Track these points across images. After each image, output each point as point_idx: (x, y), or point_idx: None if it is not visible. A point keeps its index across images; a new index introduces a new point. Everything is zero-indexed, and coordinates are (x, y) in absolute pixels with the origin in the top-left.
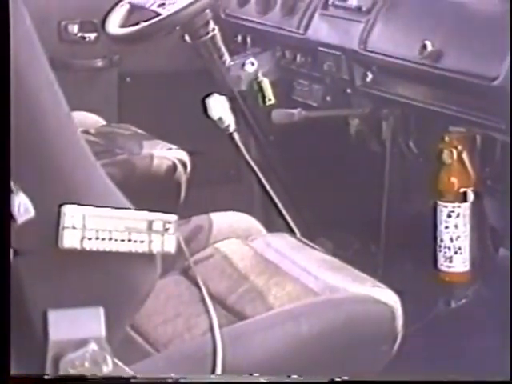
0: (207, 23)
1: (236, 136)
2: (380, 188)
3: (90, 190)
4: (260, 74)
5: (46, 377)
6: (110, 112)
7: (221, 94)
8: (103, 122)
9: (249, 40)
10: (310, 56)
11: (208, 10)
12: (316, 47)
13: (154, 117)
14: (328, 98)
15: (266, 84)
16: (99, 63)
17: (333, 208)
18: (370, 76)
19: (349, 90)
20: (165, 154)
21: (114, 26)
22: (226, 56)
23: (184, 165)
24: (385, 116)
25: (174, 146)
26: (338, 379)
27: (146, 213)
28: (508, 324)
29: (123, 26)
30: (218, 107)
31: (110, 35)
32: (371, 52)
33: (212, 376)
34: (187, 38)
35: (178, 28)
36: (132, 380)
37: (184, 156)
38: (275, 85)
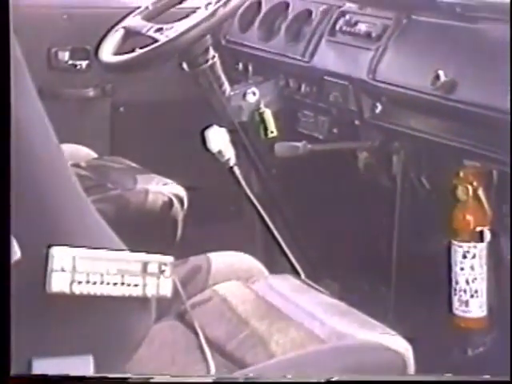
0: (207, 50)
1: (236, 170)
2: (390, 225)
3: (81, 229)
4: (262, 105)
5: (45, 377)
6: (102, 144)
7: (220, 126)
8: (95, 155)
9: (251, 68)
10: (315, 85)
11: (208, 36)
12: (322, 76)
13: (149, 149)
14: (335, 130)
15: (269, 115)
16: (91, 92)
17: (339, 247)
18: (379, 107)
19: (357, 122)
20: (160, 190)
21: (107, 53)
22: (227, 85)
23: (181, 201)
24: (395, 149)
25: (170, 181)
26: (338, 379)
27: (140, 254)
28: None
29: (117, 53)
30: (218, 139)
31: (102, 63)
32: (381, 82)
33: (211, 376)
34: (185, 65)
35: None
36: (129, 380)
37: (181, 191)
38: (278, 116)
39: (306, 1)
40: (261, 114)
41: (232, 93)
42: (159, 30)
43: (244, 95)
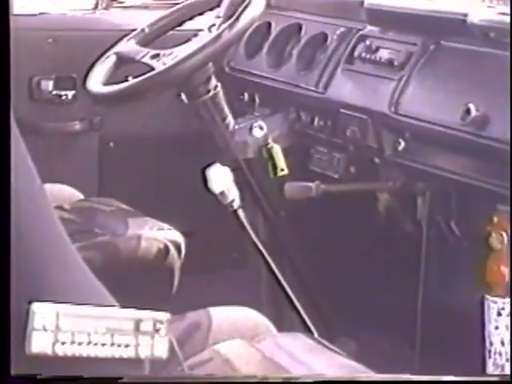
0: (209, 79)
1: (241, 213)
2: (415, 277)
3: (65, 281)
4: (270, 140)
5: (45, 377)
6: (89, 184)
7: (223, 164)
8: (81, 196)
9: (257, 99)
10: (330, 119)
11: (210, 64)
12: (338, 109)
13: (142, 190)
14: (352, 169)
15: (278, 151)
16: (77, 126)
17: (356, 300)
18: (402, 144)
19: (377, 160)
20: (155, 235)
21: (96, 82)
22: (230, 118)
23: (178, 248)
24: (420, 191)
25: (166, 226)
26: (338, 379)
27: (132, 311)
28: None
29: (108, 82)
30: (220, 179)
31: (91, 94)
32: (404, 116)
33: (210, 376)
34: (184, 96)
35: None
36: (127, 380)
37: (178, 237)
38: (288, 153)
39: (321, 23)
40: (269, 151)
41: (236, 127)
42: (156, 56)
43: (250, 129)
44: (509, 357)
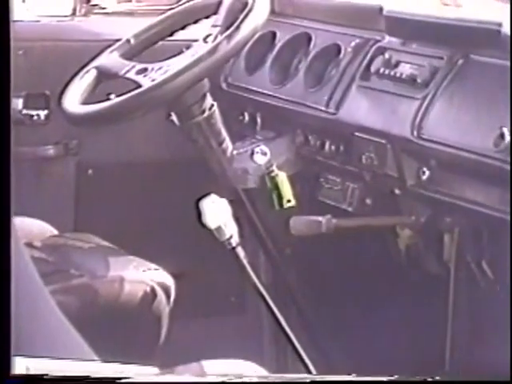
0: (203, 97)
1: (240, 252)
2: (442, 324)
3: (36, 330)
4: (275, 167)
5: (45, 377)
6: (63, 217)
7: (220, 195)
8: (54, 231)
9: (259, 120)
10: (343, 143)
11: (206, 80)
12: (352, 132)
13: (125, 224)
14: (368, 201)
15: (283, 180)
16: (51, 151)
17: (372, 352)
18: (426, 173)
19: (397, 192)
20: (140, 277)
21: (73, 100)
22: (228, 142)
23: (167, 291)
24: (447, 227)
25: (153, 266)
26: (338, 379)
27: (114, 365)
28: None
29: (87, 101)
30: (217, 213)
31: (67, 113)
32: (429, 141)
33: (208, 377)
34: (175, 117)
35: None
36: (128, 381)
37: (167, 279)
38: (295, 182)
39: (333, 32)
40: (273, 179)
41: (235, 152)
42: (143, 71)
43: (251, 155)
44: None
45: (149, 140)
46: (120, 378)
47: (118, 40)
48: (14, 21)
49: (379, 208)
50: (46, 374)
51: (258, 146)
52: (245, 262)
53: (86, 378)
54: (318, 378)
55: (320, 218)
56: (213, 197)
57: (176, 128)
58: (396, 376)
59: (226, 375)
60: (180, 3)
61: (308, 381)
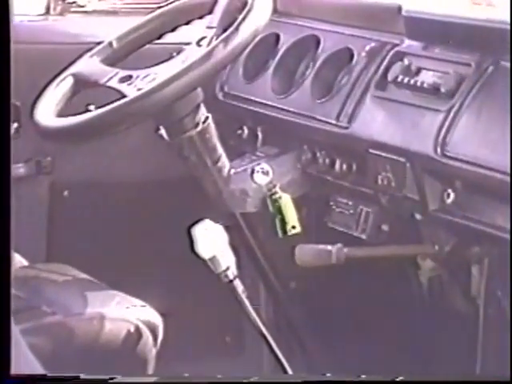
0: (196, 109)
1: (238, 285)
2: (470, 368)
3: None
4: (278, 188)
5: (45, 377)
6: (35, 245)
7: (215, 221)
8: (24, 262)
9: (260, 134)
10: (356, 162)
11: (199, 89)
12: (366, 148)
13: (106, 253)
14: (384, 228)
15: (287, 204)
16: (21, 169)
17: None
18: (451, 195)
19: (418, 217)
20: (123, 315)
21: (47, 112)
22: (225, 160)
23: (153, 331)
24: (475, 257)
25: (138, 302)
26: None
27: None
28: None
29: (63, 113)
30: (211, 241)
31: (40, 127)
32: (454, 159)
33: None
34: (164, 132)
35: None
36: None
37: (154, 317)
38: (301, 205)
39: (345, 35)
40: (276, 203)
41: (233, 171)
42: (127, 78)
43: (251, 175)
44: None
45: (134, 157)
46: (112, 378)
47: (98, 43)
48: None
49: (397, 235)
50: (46, 374)
51: (259, 164)
52: (243, 296)
53: (84, 378)
54: (317, 378)
55: (329, 247)
56: (207, 223)
57: (165, 144)
58: (397, 377)
59: None
60: (170, 1)
61: (309, 380)
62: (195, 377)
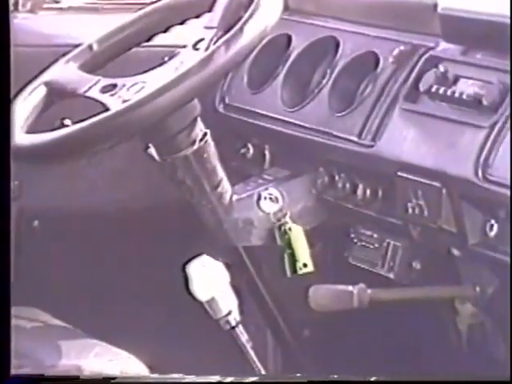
0: (193, 124)
1: (240, 332)
2: None
3: None
4: (288, 218)
5: (45, 377)
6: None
7: (214, 256)
8: None
9: (268, 154)
10: (381, 187)
11: (196, 101)
12: (394, 171)
13: (83, 295)
14: (415, 265)
15: (299, 236)
16: None
17: None
18: (494, 227)
19: (456, 252)
20: (103, 368)
21: (16, 128)
22: (226, 184)
23: None
24: None
25: (122, 353)
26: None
27: None
28: None
29: (33, 129)
30: (209, 280)
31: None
32: (498, 184)
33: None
34: (153, 151)
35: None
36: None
37: (141, 370)
38: (316, 238)
39: (369, 36)
40: (285, 235)
41: (235, 197)
42: (110, 88)
43: (257, 201)
44: None
45: (117, 181)
46: (113, 378)
47: (76, 46)
48: None
49: (431, 275)
50: (46, 375)
51: (266, 189)
52: (247, 346)
53: (84, 378)
54: (320, 378)
55: (350, 288)
56: (204, 259)
57: (155, 165)
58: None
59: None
60: None
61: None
62: (195, 377)
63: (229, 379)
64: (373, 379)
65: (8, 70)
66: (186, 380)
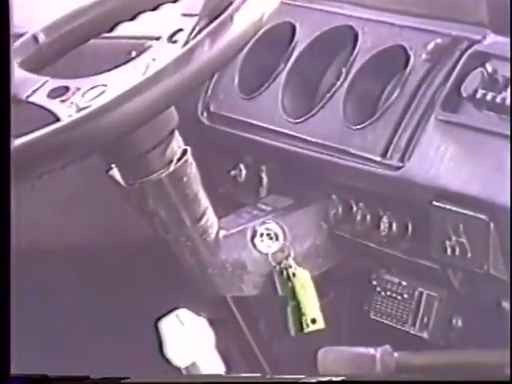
0: (168, 139)
1: None
2: None
3: None
4: (291, 260)
5: (46, 377)
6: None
7: (195, 310)
8: None
9: (265, 177)
10: (411, 219)
11: (172, 110)
12: (428, 199)
13: (55, 345)
14: (455, 322)
15: (305, 283)
16: None
17: None
18: None
19: (506, 305)
20: None
21: None
22: (210, 216)
23: None
24: None
25: None
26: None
27: None
28: None
29: None
30: (188, 342)
31: None
32: None
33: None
34: (117, 174)
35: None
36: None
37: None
38: (327, 286)
39: (395, 27)
40: (288, 282)
41: (223, 233)
42: (61, 92)
43: (251, 238)
44: None
45: (68, 212)
46: (124, 378)
47: (20, 36)
48: None
49: (476, 334)
50: (47, 375)
51: (263, 222)
52: None
53: (89, 378)
54: (314, 379)
55: (371, 351)
56: (182, 314)
57: (119, 191)
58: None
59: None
60: None
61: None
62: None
63: (230, 379)
64: (373, 379)
65: (8, 70)
66: (197, 380)
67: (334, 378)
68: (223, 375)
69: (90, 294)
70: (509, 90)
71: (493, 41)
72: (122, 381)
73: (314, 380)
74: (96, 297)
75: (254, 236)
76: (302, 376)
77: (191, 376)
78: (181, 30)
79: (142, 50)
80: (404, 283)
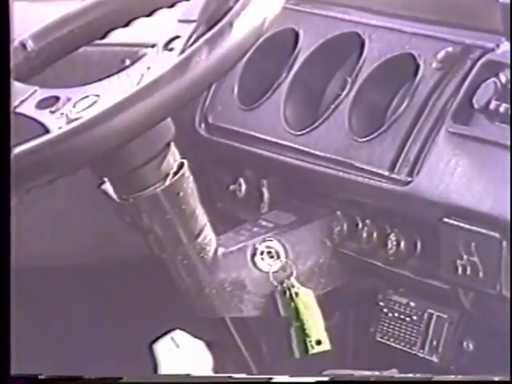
0: (164, 151)
1: None
2: None
3: None
4: (294, 279)
5: (46, 377)
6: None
7: (192, 332)
8: None
9: (266, 192)
10: (420, 237)
11: (168, 121)
12: (438, 216)
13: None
14: (466, 345)
15: (309, 304)
16: None
17: None
18: None
19: None
20: None
21: None
22: (208, 233)
23: None
24: None
25: None
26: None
27: None
28: None
29: None
30: (184, 366)
31: None
32: None
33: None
34: (110, 189)
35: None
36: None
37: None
38: (332, 306)
39: (405, 34)
40: (291, 303)
41: (222, 251)
42: (50, 102)
43: (252, 257)
44: None
45: (58, 228)
46: (121, 378)
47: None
48: None
49: (489, 358)
50: (46, 375)
51: (264, 240)
52: None
53: (86, 378)
54: (314, 379)
55: (378, 374)
56: (178, 336)
57: (113, 206)
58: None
59: None
60: None
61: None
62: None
63: (229, 379)
64: (373, 379)
65: (8, 70)
66: (193, 380)
67: (333, 379)
68: (221, 376)
69: (85, 308)
70: None
71: (507, 49)
72: (119, 380)
73: (313, 380)
74: (90, 313)
75: (254, 254)
76: (301, 376)
77: (187, 376)
78: (177, 36)
79: (136, 58)
80: (412, 304)
